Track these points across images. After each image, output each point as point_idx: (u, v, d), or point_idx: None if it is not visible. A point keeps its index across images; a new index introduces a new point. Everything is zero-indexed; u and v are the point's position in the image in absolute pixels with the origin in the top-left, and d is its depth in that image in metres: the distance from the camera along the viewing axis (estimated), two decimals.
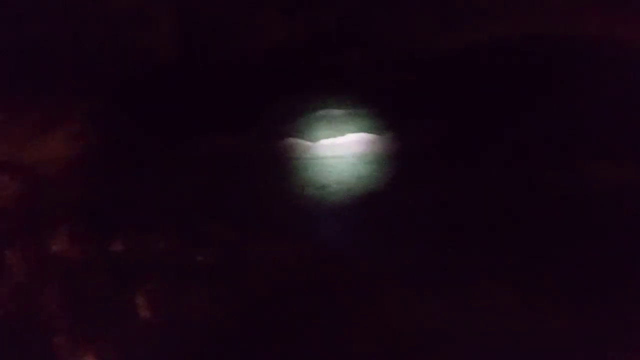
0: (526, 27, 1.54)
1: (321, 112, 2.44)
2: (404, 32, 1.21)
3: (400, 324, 1.78)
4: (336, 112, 2.50)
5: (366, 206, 2.33)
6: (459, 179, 2.21)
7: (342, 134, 2.61)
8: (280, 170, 2.24)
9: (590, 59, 1.91)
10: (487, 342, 1.73)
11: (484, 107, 2.25)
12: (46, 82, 1.31)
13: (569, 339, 1.76)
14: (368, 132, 2.65)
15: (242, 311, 1.24)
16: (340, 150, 2.60)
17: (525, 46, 1.75)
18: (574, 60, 2.00)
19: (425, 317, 1.83)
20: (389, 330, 1.73)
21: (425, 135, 2.38)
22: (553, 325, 1.81)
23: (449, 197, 2.27)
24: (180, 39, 1.06)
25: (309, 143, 2.59)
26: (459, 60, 1.86)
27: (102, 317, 1.00)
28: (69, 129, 1.13)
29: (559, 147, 2.16)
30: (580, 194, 2.00)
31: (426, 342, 1.72)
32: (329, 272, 1.94)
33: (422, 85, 2.15)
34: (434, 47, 2.08)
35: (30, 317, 1.12)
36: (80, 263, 1.03)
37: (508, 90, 2.24)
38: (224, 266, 1.13)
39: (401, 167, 2.41)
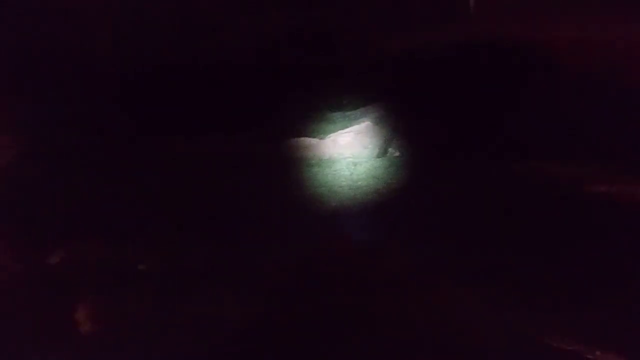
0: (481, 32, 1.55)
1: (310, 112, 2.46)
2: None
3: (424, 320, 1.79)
4: (333, 112, 2.52)
5: (375, 205, 2.34)
6: (459, 178, 2.22)
7: (343, 133, 2.63)
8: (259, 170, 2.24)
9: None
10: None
11: (478, 106, 2.26)
12: None
13: (570, 339, 1.76)
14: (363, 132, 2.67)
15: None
16: (342, 149, 2.62)
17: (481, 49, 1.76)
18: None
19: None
20: (414, 330, 1.73)
21: (428, 135, 2.39)
22: (552, 325, 1.80)
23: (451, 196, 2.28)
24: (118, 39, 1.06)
25: (306, 142, 2.60)
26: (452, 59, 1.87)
27: (41, 332, 0.99)
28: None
29: (558, 146, 2.16)
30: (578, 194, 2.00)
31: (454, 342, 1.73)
32: (337, 272, 1.95)
33: (420, 85, 2.16)
34: (432, 45, 2.09)
35: None
36: (15, 276, 1.03)
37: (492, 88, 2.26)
38: (168, 275, 1.12)
39: (403, 167, 2.42)
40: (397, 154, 2.70)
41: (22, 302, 1.07)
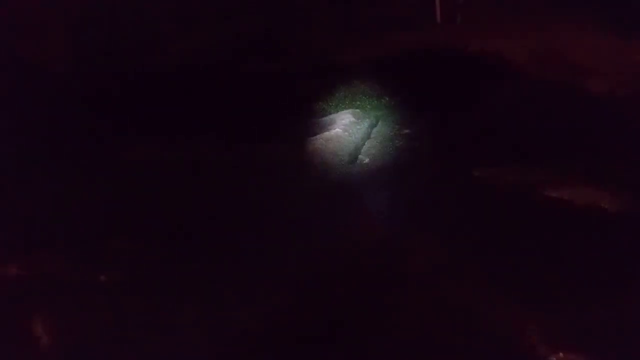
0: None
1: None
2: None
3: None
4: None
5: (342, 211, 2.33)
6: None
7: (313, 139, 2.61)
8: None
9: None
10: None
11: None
12: None
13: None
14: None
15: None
16: (313, 156, 2.59)
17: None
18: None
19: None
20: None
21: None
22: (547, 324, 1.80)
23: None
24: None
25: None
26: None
27: None
28: None
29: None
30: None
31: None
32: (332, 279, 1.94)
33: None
34: (397, 52, 2.11)
35: None
36: None
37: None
38: (129, 285, 1.10)
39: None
40: (366, 160, 2.69)
41: None
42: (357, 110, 2.82)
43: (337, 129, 2.76)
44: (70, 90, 1.50)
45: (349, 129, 2.75)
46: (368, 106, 2.87)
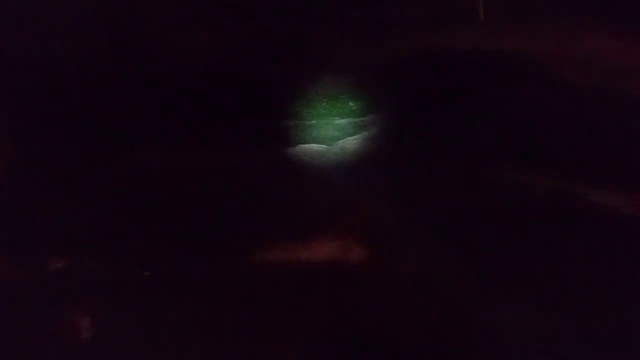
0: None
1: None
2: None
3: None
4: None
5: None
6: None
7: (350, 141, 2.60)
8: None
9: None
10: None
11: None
12: None
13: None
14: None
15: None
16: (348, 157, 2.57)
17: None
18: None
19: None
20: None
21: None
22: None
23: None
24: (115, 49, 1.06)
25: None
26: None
27: (40, 342, 0.99)
28: None
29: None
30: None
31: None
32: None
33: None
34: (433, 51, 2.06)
35: None
36: (15, 286, 1.03)
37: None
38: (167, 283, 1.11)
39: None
40: (374, 160, 2.63)
41: (21, 311, 1.09)
42: (382, 112, 2.89)
43: (347, 131, 2.73)
44: (76, 90, 1.50)
45: (357, 131, 2.71)
46: (381, 107, 2.93)
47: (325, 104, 1.53)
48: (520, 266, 1.02)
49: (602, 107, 1.16)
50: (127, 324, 1.04)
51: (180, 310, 1.06)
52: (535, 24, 1.15)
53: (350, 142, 1.57)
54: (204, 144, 1.20)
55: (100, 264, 1.09)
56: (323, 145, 1.75)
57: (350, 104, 1.54)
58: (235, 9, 1.15)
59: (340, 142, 1.87)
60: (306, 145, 1.61)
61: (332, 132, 1.86)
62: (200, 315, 1.06)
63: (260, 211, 1.18)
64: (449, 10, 1.19)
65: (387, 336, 1.01)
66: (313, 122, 1.47)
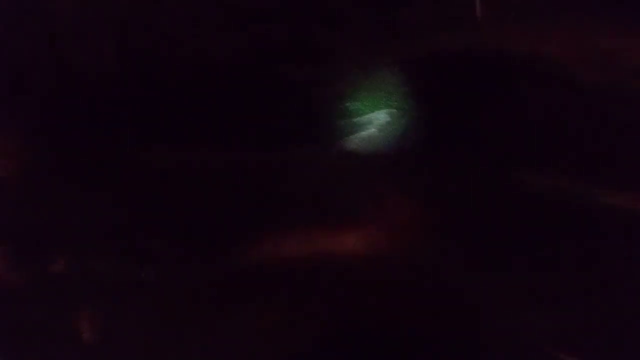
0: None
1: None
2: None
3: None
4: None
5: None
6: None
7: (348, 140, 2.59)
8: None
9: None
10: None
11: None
12: None
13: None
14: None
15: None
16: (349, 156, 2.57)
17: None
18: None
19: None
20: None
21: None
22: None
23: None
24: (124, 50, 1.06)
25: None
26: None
27: (42, 344, 0.98)
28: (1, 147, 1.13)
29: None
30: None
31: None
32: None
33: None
34: (435, 53, 2.06)
35: None
36: (16, 287, 1.03)
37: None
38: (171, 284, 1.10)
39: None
40: (399, 159, 2.64)
41: (23, 311, 1.08)
42: (393, 110, 2.91)
43: (372, 129, 2.74)
44: (89, 91, 1.50)
45: (384, 129, 2.72)
46: (403, 107, 2.96)
47: (336, 102, 1.52)
48: (539, 267, 1.00)
49: (621, 106, 1.14)
50: (130, 326, 1.02)
51: (189, 312, 1.03)
52: (546, 23, 1.13)
53: (358, 140, 1.55)
54: (214, 143, 1.18)
55: (104, 264, 1.07)
56: (333, 142, 1.74)
57: (359, 103, 1.53)
58: (243, 9, 1.14)
59: (347, 141, 1.86)
60: (313, 144, 1.61)
61: (340, 130, 1.85)
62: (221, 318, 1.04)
63: (278, 207, 1.17)
64: (456, 11, 1.18)
65: (406, 331, 0.99)
66: (323, 120, 1.46)
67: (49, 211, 1.24)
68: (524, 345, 1.12)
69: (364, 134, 2.23)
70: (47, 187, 1.27)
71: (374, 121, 2.29)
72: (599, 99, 1.32)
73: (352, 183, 1.33)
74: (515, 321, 1.06)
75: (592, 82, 1.38)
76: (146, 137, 1.32)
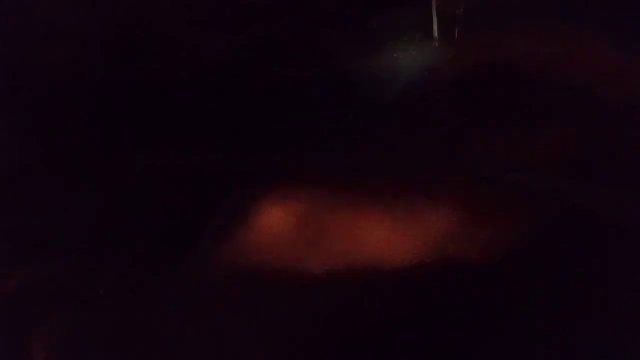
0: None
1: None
2: None
3: None
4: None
5: None
6: None
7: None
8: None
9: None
10: None
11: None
12: None
13: None
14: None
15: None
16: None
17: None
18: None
19: None
20: None
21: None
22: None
23: None
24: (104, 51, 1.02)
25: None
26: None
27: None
28: None
29: None
30: None
31: None
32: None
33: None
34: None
35: None
36: None
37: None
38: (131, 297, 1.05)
39: None
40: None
41: None
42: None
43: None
44: (73, 94, 1.45)
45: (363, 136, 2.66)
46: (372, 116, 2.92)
47: (335, 107, 1.47)
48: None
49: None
50: (91, 338, 0.94)
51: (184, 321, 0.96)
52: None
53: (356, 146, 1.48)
54: (200, 147, 1.12)
55: (65, 275, 0.99)
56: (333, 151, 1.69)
57: (360, 107, 1.45)
58: (245, 11, 1.09)
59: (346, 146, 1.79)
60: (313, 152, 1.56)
61: (341, 136, 1.77)
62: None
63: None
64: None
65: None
66: (324, 124, 1.41)
67: (6, 224, 1.17)
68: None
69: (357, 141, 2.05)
70: (6, 198, 1.20)
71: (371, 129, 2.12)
72: (569, 102, 1.27)
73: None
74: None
75: (558, 85, 1.33)
76: (107, 146, 1.24)
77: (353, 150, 1.18)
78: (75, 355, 0.96)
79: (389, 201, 1.12)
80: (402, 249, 1.02)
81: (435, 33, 1.32)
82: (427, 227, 1.06)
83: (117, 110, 1.16)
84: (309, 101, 1.19)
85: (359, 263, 1.04)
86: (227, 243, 1.14)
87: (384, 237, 1.07)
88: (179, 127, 1.18)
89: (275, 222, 1.15)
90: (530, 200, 1.04)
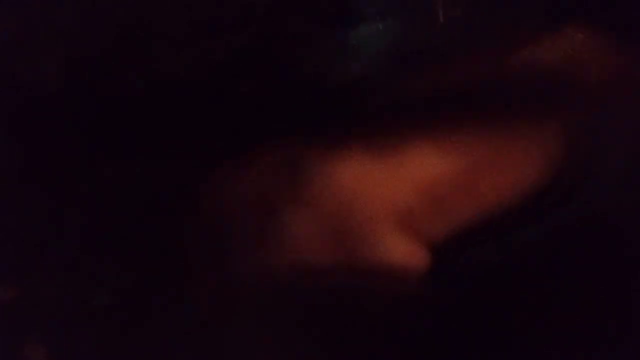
0: None
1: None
2: None
3: None
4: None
5: None
6: None
7: None
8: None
9: None
10: None
11: None
12: None
13: None
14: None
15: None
16: None
17: None
18: None
19: None
20: None
21: None
22: None
23: None
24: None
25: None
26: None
27: None
28: None
29: None
30: None
31: None
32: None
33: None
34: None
35: None
36: None
37: None
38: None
39: None
40: None
41: None
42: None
43: None
44: (53, 108, 1.41)
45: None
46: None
47: (310, 119, 1.46)
48: None
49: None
50: (79, 352, 0.93)
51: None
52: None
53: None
54: (170, 160, 1.10)
55: (54, 291, 0.98)
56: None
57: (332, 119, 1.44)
58: (219, 24, 1.09)
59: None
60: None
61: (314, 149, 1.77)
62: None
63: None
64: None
65: None
66: (299, 138, 1.41)
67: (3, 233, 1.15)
68: None
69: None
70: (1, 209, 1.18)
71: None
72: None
73: None
74: None
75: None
76: (96, 155, 1.23)
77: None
78: None
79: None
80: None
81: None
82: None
83: (113, 113, 1.14)
84: (311, 102, 1.18)
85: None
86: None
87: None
88: (180, 130, 1.16)
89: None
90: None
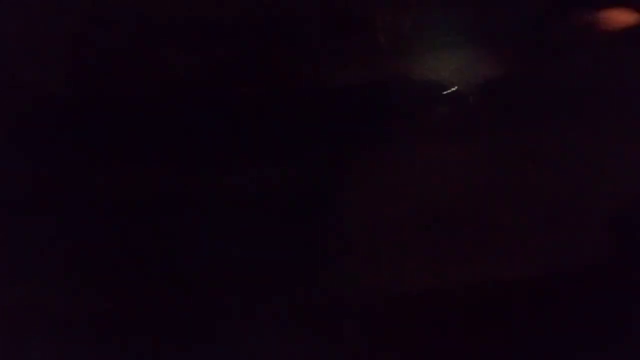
0: None
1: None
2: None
3: None
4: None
5: None
6: None
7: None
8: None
9: None
10: None
11: None
12: None
13: None
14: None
15: None
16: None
17: None
18: None
19: None
20: None
21: None
22: None
23: None
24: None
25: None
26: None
27: None
28: None
29: None
30: None
31: None
32: None
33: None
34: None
35: None
36: None
37: None
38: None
39: None
40: None
41: None
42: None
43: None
44: (53, 109, 1.40)
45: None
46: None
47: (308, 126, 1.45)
48: None
49: None
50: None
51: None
52: None
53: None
54: (170, 168, 1.10)
55: (47, 300, 0.98)
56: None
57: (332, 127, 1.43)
58: (213, 30, 1.09)
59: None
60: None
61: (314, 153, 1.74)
62: None
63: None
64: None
65: None
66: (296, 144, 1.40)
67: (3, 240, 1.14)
68: None
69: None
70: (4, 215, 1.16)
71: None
72: None
73: None
74: None
75: None
76: (100, 164, 1.21)
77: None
78: None
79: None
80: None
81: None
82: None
83: (113, 113, 1.14)
84: (285, 118, 1.18)
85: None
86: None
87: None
88: (183, 132, 1.15)
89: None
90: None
